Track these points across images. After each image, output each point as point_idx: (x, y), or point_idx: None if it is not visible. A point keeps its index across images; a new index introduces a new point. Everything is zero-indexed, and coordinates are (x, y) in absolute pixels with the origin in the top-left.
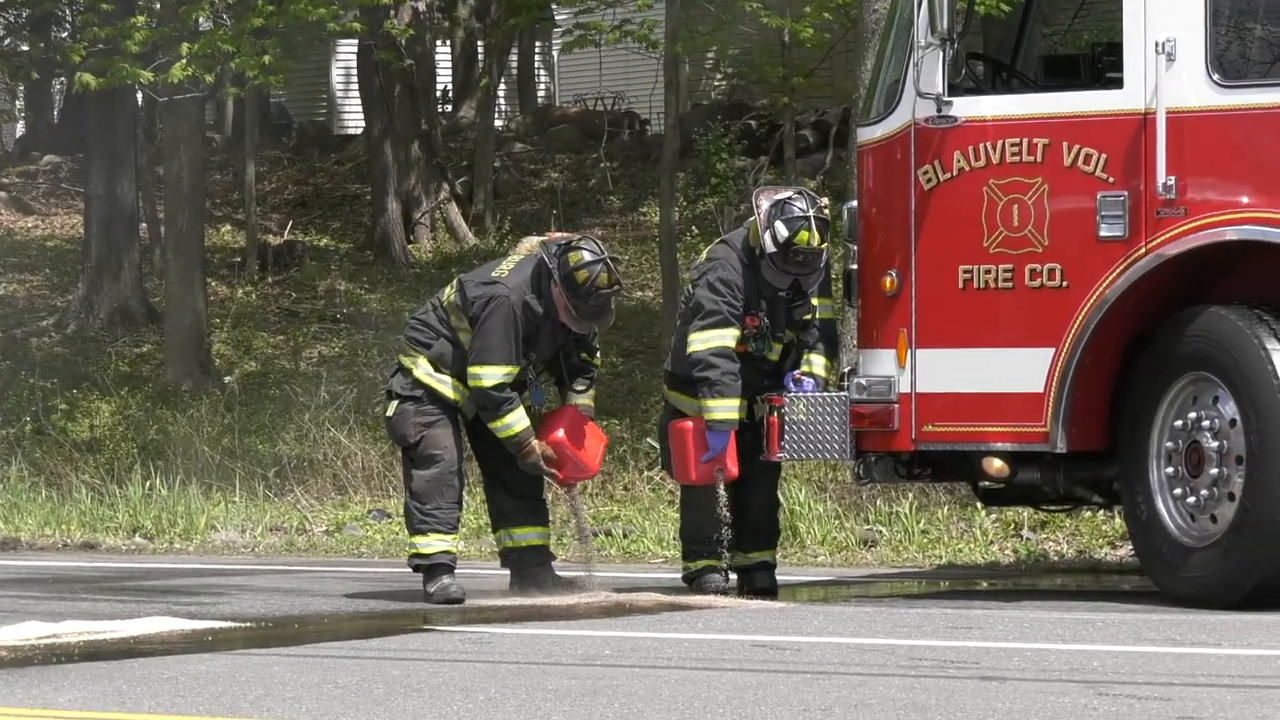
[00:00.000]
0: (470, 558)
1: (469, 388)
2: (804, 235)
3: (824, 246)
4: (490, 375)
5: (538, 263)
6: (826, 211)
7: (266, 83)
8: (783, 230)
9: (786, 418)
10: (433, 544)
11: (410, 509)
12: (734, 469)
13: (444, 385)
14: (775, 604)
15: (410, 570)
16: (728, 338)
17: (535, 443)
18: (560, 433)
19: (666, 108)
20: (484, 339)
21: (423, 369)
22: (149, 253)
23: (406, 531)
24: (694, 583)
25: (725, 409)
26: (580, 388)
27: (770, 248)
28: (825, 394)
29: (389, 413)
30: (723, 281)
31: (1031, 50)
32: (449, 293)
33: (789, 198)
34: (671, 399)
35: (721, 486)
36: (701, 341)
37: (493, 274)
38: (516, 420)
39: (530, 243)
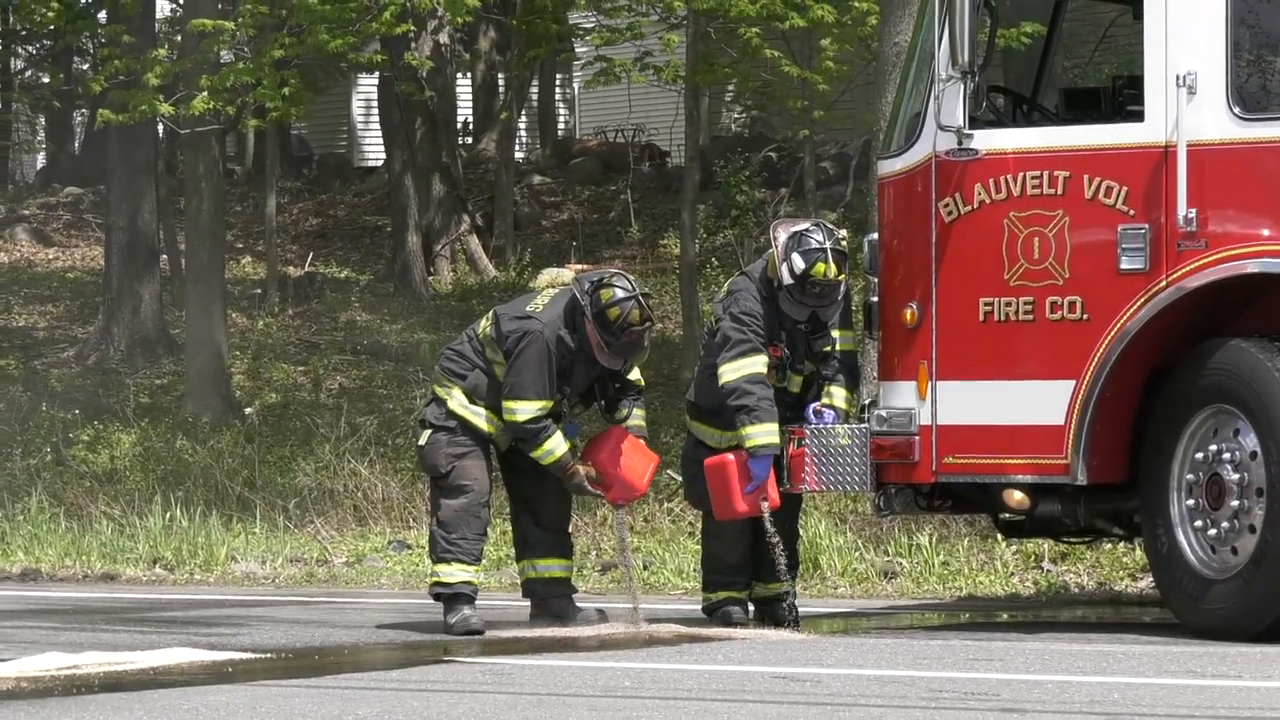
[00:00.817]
0: (490, 589)
1: (504, 421)
2: (821, 267)
3: (841, 278)
4: (525, 410)
5: (571, 298)
6: (844, 243)
7: (287, 115)
8: (799, 262)
9: (817, 448)
10: (455, 573)
11: (435, 537)
12: (776, 497)
13: (478, 417)
14: (796, 635)
15: (431, 599)
16: (759, 364)
17: (579, 466)
18: (602, 454)
19: (687, 140)
20: (518, 374)
21: (457, 400)
22: (169, 284)
23: (430, 560)
24: (714, 614)
25: (766, 433)
26: (623, 412)
27: (788, 280)
28: (847, 425)
29: (421, 442)
30: (745, 313)
31: (1052, 83)
32: (485, 325)
33: (806, 229)
34: (694, 430)
35: (767, 515)
36: (733, 371)
37: (527, 308)
38: (556, 445)
39: (550, 274)
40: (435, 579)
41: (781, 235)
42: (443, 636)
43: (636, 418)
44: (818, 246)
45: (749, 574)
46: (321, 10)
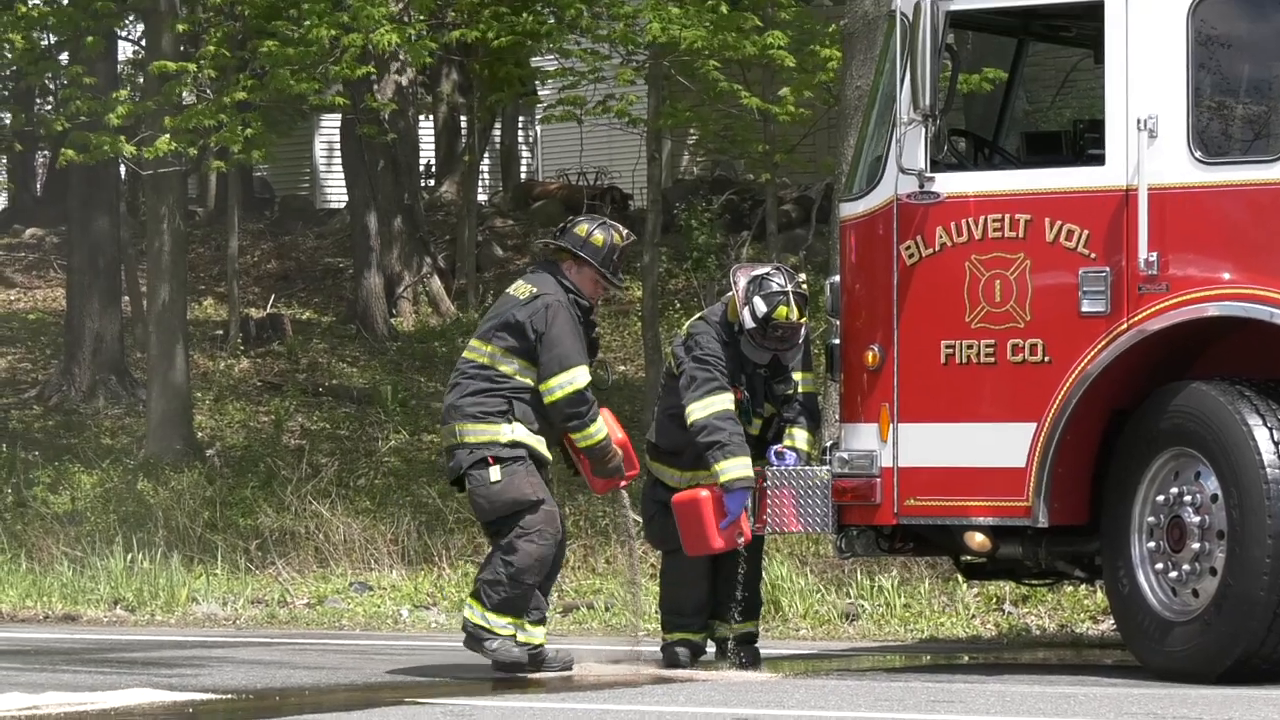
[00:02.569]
0: (451, 630)
1: (552, 403)
2: (783, 310)
3: (803, 321)
4: (581, 376)
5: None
6: (804, 287)
7: (249, 158)
8: (761, 306)
9: (798, 488)
10: (537, 634)
11: (506, 583)
12: (750, 532)
13: (542, 443)
14: (757, 676)
15: (463, 646)
16: (727, 401)
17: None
18: (620, 433)
19: (649, 183)
20: (558, 344)
21: (519, 432)
22: (131, 325)
23: (491, 606)
24: (665, 654)
25: (739, 467)
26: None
27: (749, 323)
28: (807, 468)
29: (493, 479)
30: (709, 353)
31: (1014, 126)
32: (485, 352)
33: (766, 273)
34: (654, 470)
35: (743, 547)
36: (703, 409)
37: (522, 296)
38: (600, 427)
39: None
40: (514, 635)
41: (741, 280)
42: (401, 678)
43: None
44: (779, 290)
45: (707, 616)
46: (283, 54)
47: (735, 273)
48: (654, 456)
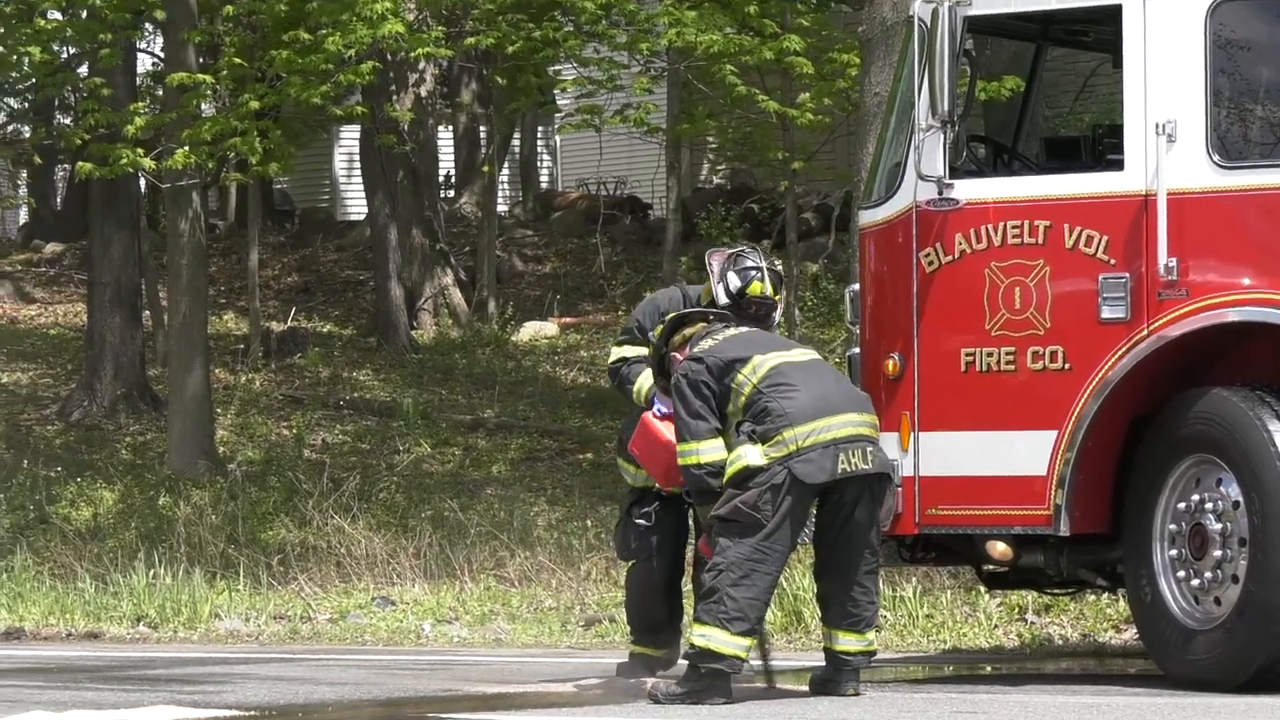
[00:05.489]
0: (473, 645)
1: None
2: (757, 286)
3: (778, 298)
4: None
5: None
6: (779, 267)
7: (267, 171)
8: (735, 281)
9: None
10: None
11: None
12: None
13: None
14: (784, 688)
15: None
16: (632, 351)
17: None
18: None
19: (668, 192)
20: None
21: None
22: (152, 339)
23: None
24: (620, 667)
25: (645, 379)
26: None
27: (723, 299)
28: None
29: None
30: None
31: (1033, 132)
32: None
33: (741, 251)
34: (620, 467)
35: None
36: (614, 354)
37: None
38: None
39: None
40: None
41: (716, 261)
42: (424, 691)
43: None
44: (753, 265)
45: (671, 633)
46: (294, 61)
47: (710, 255)
48: (618, 450)
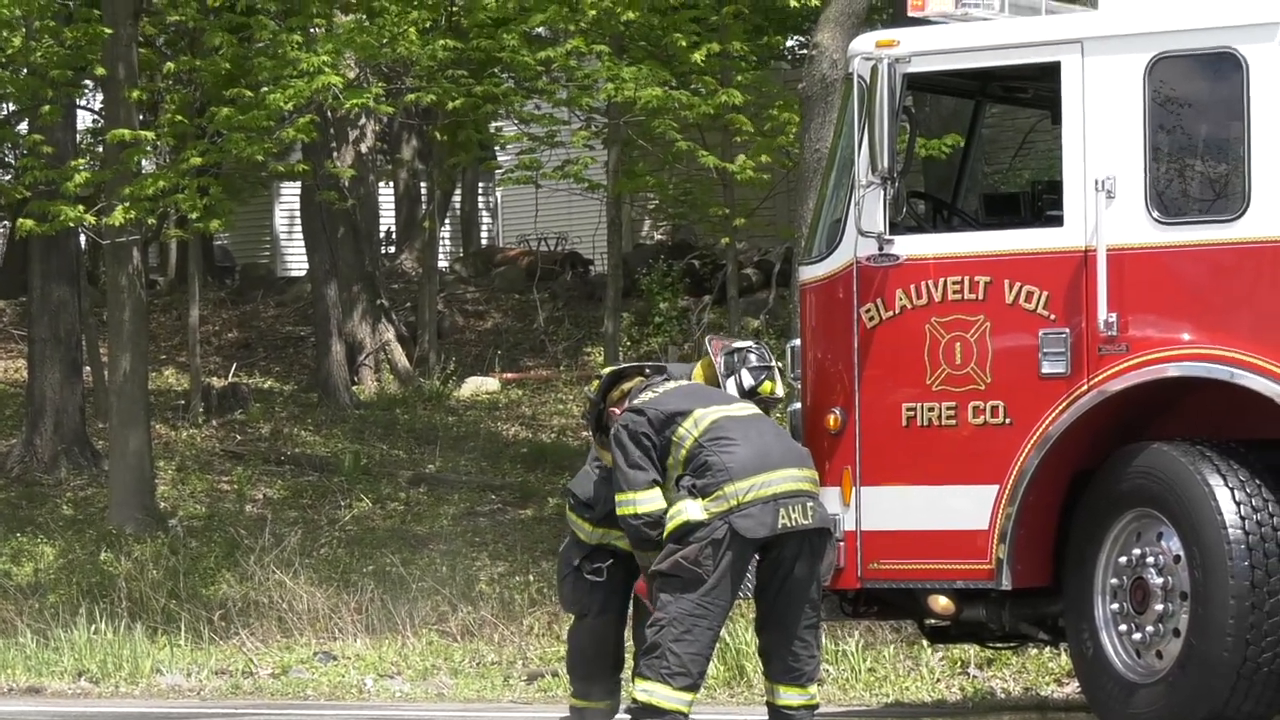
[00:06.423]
0: (416, 700)
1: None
2: (768, 385)
3: (780, 397)
4: None
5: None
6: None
7: (208, 227)
8: (749, 379)
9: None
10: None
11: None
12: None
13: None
14: None
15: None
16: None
17: None
18: None
19: (609, 248)
20: None
21: None
22: (93, 395)
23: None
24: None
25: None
26: None
27: (735, 395)
28: None
29: None
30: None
31: (972, 188)
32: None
33: (747, 348)
34: (570, 522)
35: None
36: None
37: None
38: None
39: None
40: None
41: (719, 354)
42: None
43: None
44: (764, 365)
45: (610, 688)
46: (235, 118)
47: (710, 342)
48: (571, 506)
